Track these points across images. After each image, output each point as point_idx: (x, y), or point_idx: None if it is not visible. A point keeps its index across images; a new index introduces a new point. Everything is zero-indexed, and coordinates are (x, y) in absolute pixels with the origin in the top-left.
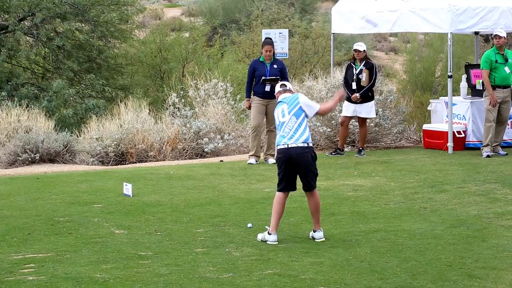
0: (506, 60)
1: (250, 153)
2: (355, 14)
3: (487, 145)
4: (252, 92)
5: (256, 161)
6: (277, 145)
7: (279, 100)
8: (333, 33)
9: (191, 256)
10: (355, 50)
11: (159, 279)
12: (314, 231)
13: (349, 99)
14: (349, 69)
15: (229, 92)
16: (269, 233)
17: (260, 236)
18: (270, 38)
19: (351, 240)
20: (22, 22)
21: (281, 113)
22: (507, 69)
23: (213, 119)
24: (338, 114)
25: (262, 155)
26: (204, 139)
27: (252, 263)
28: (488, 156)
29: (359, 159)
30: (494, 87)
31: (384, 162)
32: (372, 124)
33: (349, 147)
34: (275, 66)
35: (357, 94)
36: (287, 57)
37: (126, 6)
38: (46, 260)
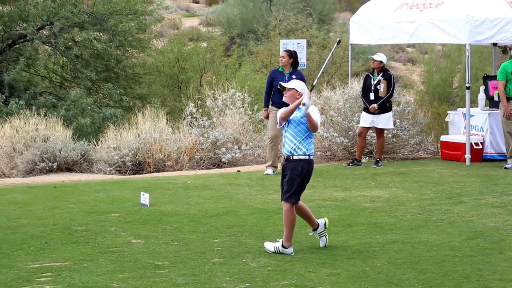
0: None
1: (267, 164)
2: (373, 24)
3: (511, 156)
4: (270, 102)
5: (273, 172)
6: (312, 154)
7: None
8: (351, 44)
9: (208, 266)
10: (372, 59)
11: None
12: (314, 229)
13: (367, 110)
14: (367, 79)
15: (246, 102)
16: (284, 246)
17: (271, 247)
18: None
19: (368, 251)
20: (41, 31)
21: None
22: None
23: (230, 129)
24: (356, 125)
25: (279, 165)
26: (222, 149)
27: (269, 273)
28: (506, 168)
29: (376, 170)
30: (508, 99)
31: (402, 173)
32: (389, 135)
33: (367, 158)
34: (293, 76)
35: (375, 105)
36: (305, 67)
37: (144, 16)
38: (63, 269)
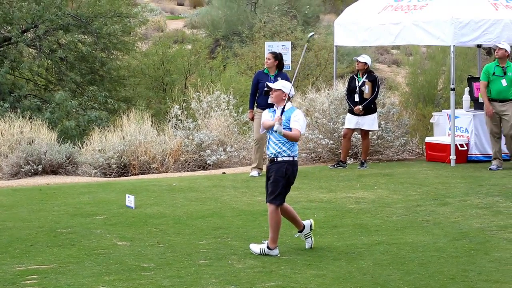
0: (505, 73)
1: (253, 166)
2: (358, 26)
3: (495, 158)
4: (255, 104)
5: (259, 174)
6: (296, 156)
7: (292, 107)
8: (335, 46)
9: (193, 268)
10: (356, 61)
11: None
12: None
13: (352, 112)
14: (351, 81)
15: (231, 104)
16: (269, 248)
17: (256, 249)
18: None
19: (353, 253)
20: (25, 34)
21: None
22: (504, 82)
23: (215, 131)
24: (341, 127)
25: (264, 167)
26: (207, 151)
27: (255, 275)
28: (490, 169)
29: (361, 171)
30: (490, 100)
31: (387, 175)
32: (374, 137)
33: (352, 159)
34: (279, 78)
35: (360, 107)
36: (290, 69)
37: (128, 18)
38: (49, 272)
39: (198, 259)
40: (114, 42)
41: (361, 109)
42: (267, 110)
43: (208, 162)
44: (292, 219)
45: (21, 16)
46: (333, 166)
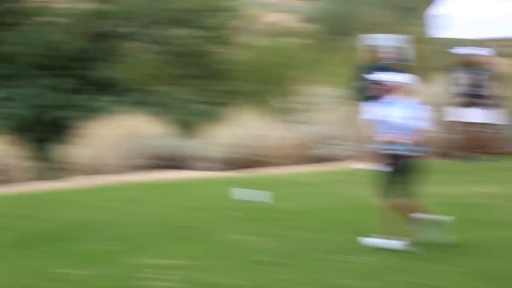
0: None
1: (370, 161)
2: (463, 18)
3: None
4: (365, 97)
5: (377, 168)
6: (416, 150)
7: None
8: (433, 38)
9: (325, 263)
10: (471, 55)
11: (296, 287)
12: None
13: (471, 105)
14: (468, 74)
15: (343, 98)
16: (396, 243)
17: (383, 244)
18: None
19: (486, 248)
20: (129, 28)
21: None
22: None
23: (330, 125)
24: (462, 121)
25: (382, 162)
26: (323, 145)
27: (382, 270)
28: None
29: (490, 165)
30: None
31: None
32: (501, 131)
33: (479, 154)
34: (383, 71)
35: (481, 100)
36: (406, 63)
37: (234, 12)
38: (174, 267)
39: (328, 254)
40: (221, 36)
41: (482, 104)
42: (375, 104)
43: (324, 156)
44: (412, 216)
45: (125, 10)
46: (460, 160)
